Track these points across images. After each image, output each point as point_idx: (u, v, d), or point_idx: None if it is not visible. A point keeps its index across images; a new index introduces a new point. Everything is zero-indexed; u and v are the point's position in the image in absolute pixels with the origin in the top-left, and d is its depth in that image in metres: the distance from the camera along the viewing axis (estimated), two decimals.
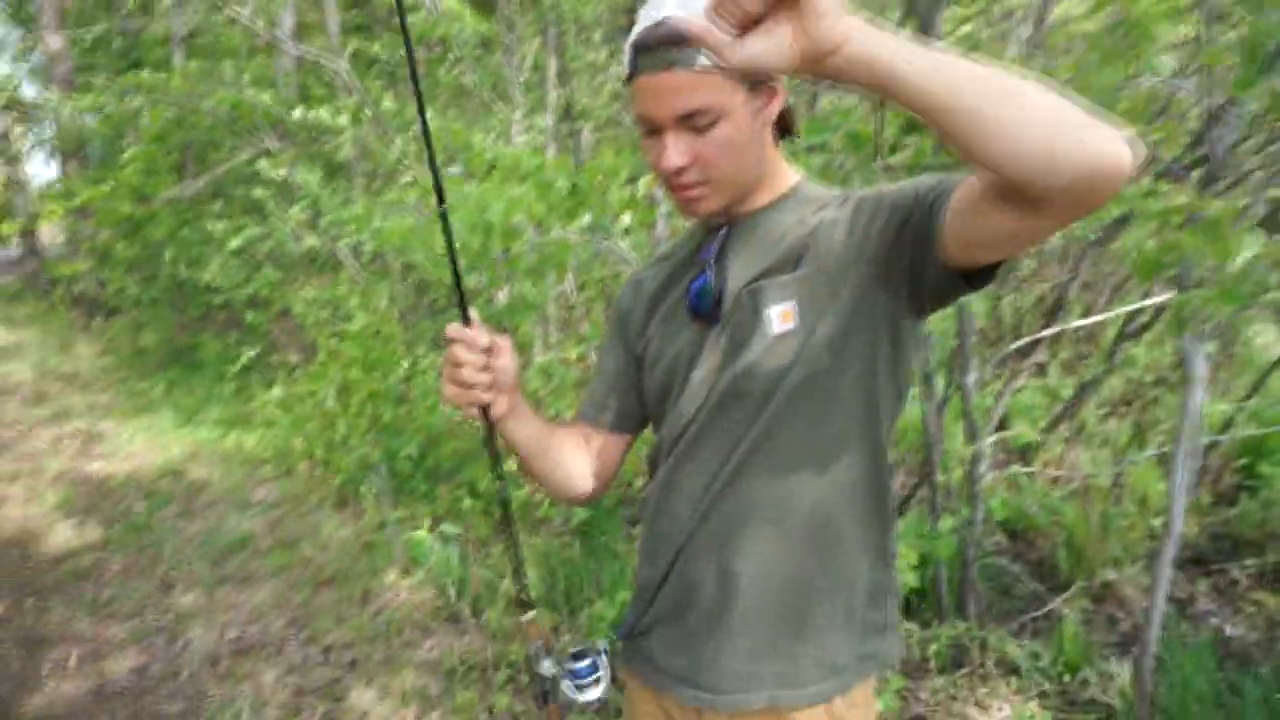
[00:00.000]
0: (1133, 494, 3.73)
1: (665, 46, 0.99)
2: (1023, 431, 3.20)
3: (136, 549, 4.20)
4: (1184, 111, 2.60)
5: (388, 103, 4.60)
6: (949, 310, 2.53)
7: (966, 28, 3.90)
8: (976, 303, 3.85)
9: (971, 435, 2.82)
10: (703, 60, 0.99)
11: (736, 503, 1.11)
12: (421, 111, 1.11)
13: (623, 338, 1.27)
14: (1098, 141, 0.74)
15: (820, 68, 0.75)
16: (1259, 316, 5.60)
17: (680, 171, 1.04)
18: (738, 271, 1.11)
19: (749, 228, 1.13)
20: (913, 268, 0.98)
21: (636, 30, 1.04)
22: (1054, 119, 0.75)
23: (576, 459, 1.27)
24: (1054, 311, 3.77)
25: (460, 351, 1.07)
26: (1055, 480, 3.83)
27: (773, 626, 1.12)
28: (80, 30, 9.64)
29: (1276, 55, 1.54)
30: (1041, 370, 3.98)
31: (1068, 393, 3.72)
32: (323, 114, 4.05)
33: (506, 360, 1.11)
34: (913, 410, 2.79)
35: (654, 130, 1.04)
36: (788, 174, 1.16)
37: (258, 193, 5.67)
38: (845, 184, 2.32)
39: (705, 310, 1.12)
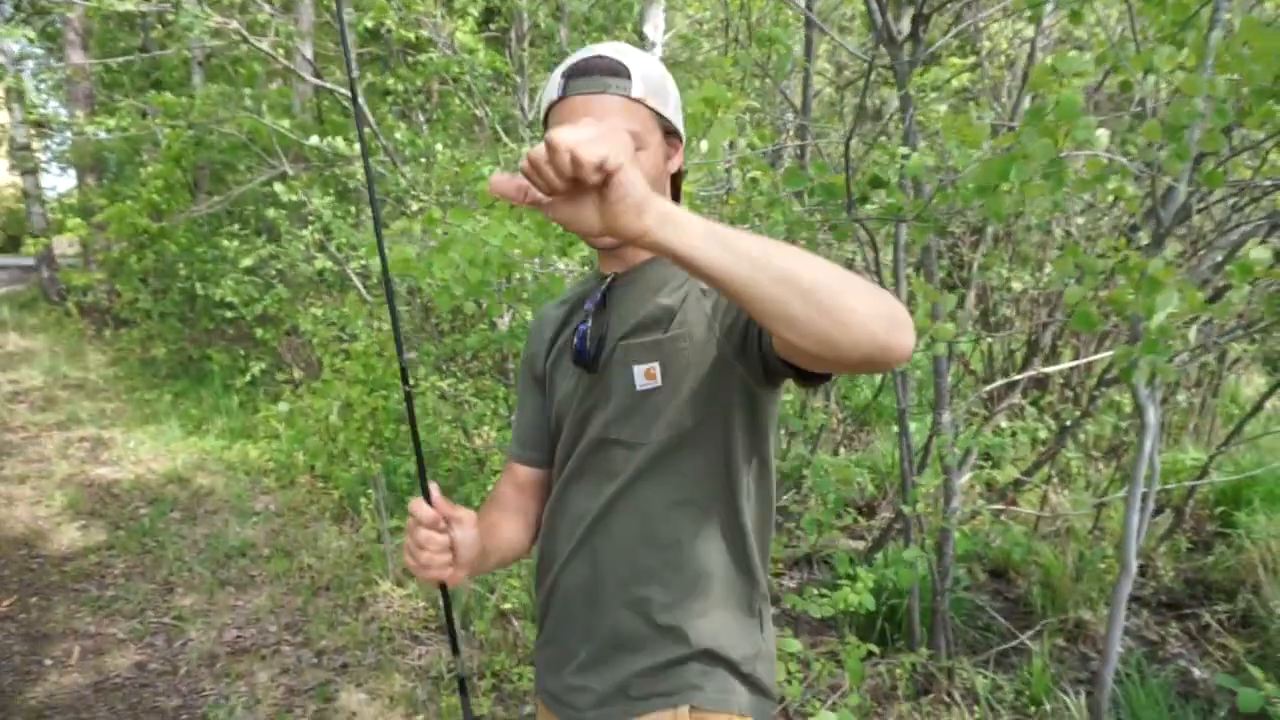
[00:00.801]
0: (1112, 537, 3.83)
1: (603, 74, 1.08)
2: (997, 471, 3.31)
3: (140, 552, 4.30)
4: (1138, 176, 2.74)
5: (399, 134, 4.79)
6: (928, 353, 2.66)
7: (957, 80, 4.08)
8: (964, 345, 3.97)
9: (943, 471, 2.95)
10: (636, 92, 1.09)
11: (607, 536, 1.18)
12: (383, 259, 1.23)
13: (533, 376, 1.34)
14: (882, 330, 0.80)
15: (629, 244, 0.83)
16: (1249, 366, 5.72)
17: None
18: (615, 324, 1.18)
19: (630, 280, 1.20)
20: (758, 354, 1.06)
21: (571, 60, 1.12)
22: (843, 309, 0.80)
23: (510, 531, 1.30)
24: (1030, 356, 3.90)
25: (422, 534, 1.09)
26: (1037, 521, 3.93)
27: (633, 657, 1.16)
28: (105, 58, 9.92)
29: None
30: (1019, 413, 4.09)
31: (1044, 435, 3.83)
32: (339, 143, 4.21)
33: (467, 531, 1.12)
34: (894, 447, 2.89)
35: None
36: None
37: (271, 213, 5.83)
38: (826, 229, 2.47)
39: (585, 358, 1.19)
